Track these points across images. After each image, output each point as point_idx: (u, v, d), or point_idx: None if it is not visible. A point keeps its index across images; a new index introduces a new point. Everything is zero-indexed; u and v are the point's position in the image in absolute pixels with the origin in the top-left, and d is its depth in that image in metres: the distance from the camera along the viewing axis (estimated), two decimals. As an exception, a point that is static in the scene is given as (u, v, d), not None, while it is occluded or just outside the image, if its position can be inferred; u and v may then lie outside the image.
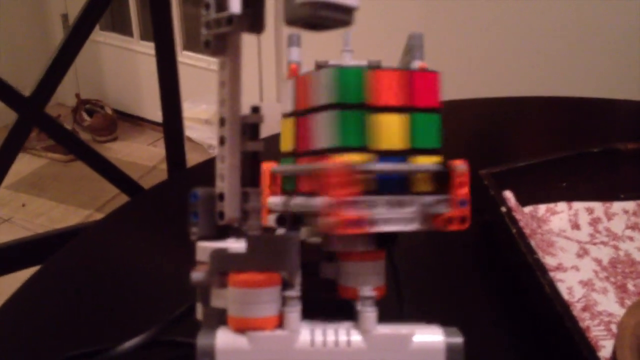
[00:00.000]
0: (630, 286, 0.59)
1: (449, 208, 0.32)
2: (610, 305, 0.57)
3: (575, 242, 0.65)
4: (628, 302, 0.57)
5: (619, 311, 0.56)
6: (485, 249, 0.64)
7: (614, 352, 0.48)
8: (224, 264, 0.32)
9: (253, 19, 0.30)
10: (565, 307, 0.49)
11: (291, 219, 0.34)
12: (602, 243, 0.65)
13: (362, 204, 0.31)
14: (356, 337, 0.31)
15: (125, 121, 2.89)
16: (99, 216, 2.31)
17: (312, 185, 0.32)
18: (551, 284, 0.51)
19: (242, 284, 0.31)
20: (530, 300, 0.54)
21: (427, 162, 0.32)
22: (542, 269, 0.53)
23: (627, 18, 1.65)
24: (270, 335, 0.31)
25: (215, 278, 0.32)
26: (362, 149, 0.31)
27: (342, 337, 0.31)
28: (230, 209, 0.31)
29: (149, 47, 2.74)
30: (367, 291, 0.31)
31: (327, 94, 0.31)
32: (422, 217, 0.32)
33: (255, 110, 0.32)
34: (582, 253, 0.63)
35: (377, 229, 0.31)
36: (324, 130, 0.32)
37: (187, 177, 0.90)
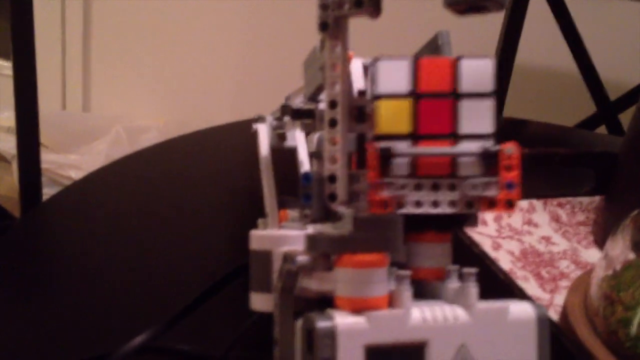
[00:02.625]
0: (544, 273, 0.66)
1: (496, 191, 0.34)
2: (535, 290, 0.63)
3: (487, 237, 0.71)
4: (547, 287, 0.64)
5: (543, 295, 0.63)
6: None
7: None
8: (335, 246, 0.31)
9: (375, 2, 0.30)
10: (523, 292, 0.55)
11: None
12: (509, 237, 0.72)
13: (394, 186, 0.32)
14: (461, 312, 0.32)
15: None
16: None
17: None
18: (505, 273, 0.57)
19: (358, 264, 0.31)
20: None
21: (473, 145, 0.34)
22: (491, 260, 0.58)
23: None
24: (388, 313, 0.31)
25: (321, 261, 0.32)
26: (405, 136, 0.33)
27: (449, 313, 0.32)
28: (342, 191, 0.32)
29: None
30: (469, 269, 0.33)
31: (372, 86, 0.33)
32: (468, 200, 0.34)
33: (362, 93, 0.33)
34: (496, 246, 0.70)
35: (418, 210, 0.33)
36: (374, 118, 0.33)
37: (42, 214, 0.77)
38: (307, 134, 0.50)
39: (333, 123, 0.32)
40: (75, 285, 0.56)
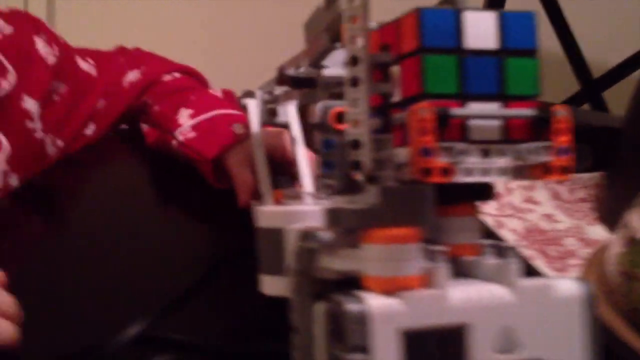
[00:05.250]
0: (550, 251, 0.64)
1: (548, 156, 0.31)
2: (542, 269, 0.61)
3: (488, 215, 0.68)
4: (555, 266, 0.62)
5: (552, 274, 0.60)
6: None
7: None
8: (361, 220, 0.28)
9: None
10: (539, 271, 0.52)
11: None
12: (510, 215, 0.69)
13: (452, 151, 0.29)
14: (503, 291, 0.29)
15: None
16: None
17: (402, 136, 0.30)
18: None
19: (389, 239, 0.27)
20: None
21: (523, 107, 0.32)
22: (499, 237, 0.55)
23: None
24: (425, 294, 0.28)
25: (345, 237, 0.29)
26: (453, 95, 0.30)
27: (489, 292, 0.29)
28: (367, 159, 0.28)
29: None
30: (507, 243, 0.30)
31: (414, 38, 0.30)
32: (519, 167, 0.31)
33: (385, 48, 0.29)
34: (499, 225, 0.67)
35: (469, 179, 0.30)
36: (412, 77, 0.30)
37: None
38: (307, 105, 0.46)
39: (355, 82, 0.28)
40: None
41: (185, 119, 0.65)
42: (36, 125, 0.63)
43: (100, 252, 0.50)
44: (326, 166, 0.29)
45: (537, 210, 0.71)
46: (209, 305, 0.44)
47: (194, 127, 0.64)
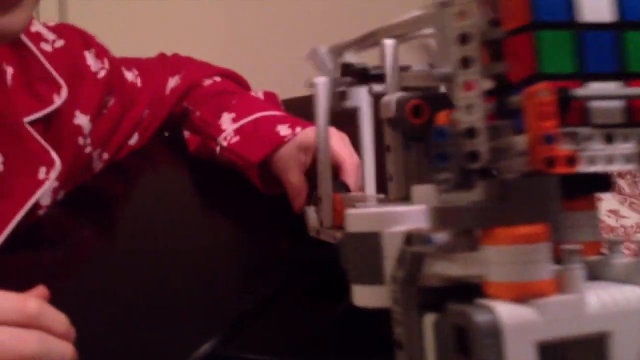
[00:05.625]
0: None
1: None
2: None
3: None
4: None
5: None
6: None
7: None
8: (481, 219, 0.25)
9: None
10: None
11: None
12: (574, 212, 0.66)
13: (577, 138, 0.26)
14: (641, 293, 0.26)
15: None
16: None
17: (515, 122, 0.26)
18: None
19: (517, 239, 0.24)
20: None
21: None
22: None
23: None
24: (561, 300, 0.24)
25: (462, 239, 0.25)
26: (570, 75, 0.27)
27: (630, 295, 0.25)
28: (484, 148, 0.25)
29: None
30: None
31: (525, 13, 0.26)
32: None
33: (495, 23, 0.26)
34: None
35: (593, 168, 0.27)
36: (522, 56, 0.27)
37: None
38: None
39: (466, 63, 0.25)
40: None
41: (228, 124, 0.63)
42: (86, 141, 0.61)
43: (163, 265, 0.47)
44: (439, 158, 0.26)
45: (601, 206, 0.67)
46: (279, 322, 0.41)
47: (237, 131, 0.61)
